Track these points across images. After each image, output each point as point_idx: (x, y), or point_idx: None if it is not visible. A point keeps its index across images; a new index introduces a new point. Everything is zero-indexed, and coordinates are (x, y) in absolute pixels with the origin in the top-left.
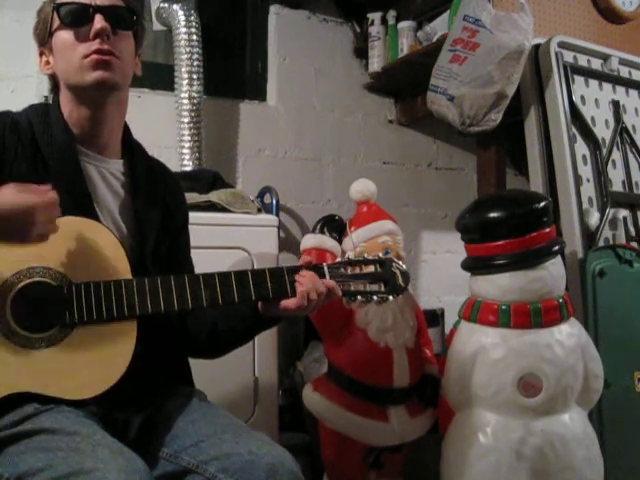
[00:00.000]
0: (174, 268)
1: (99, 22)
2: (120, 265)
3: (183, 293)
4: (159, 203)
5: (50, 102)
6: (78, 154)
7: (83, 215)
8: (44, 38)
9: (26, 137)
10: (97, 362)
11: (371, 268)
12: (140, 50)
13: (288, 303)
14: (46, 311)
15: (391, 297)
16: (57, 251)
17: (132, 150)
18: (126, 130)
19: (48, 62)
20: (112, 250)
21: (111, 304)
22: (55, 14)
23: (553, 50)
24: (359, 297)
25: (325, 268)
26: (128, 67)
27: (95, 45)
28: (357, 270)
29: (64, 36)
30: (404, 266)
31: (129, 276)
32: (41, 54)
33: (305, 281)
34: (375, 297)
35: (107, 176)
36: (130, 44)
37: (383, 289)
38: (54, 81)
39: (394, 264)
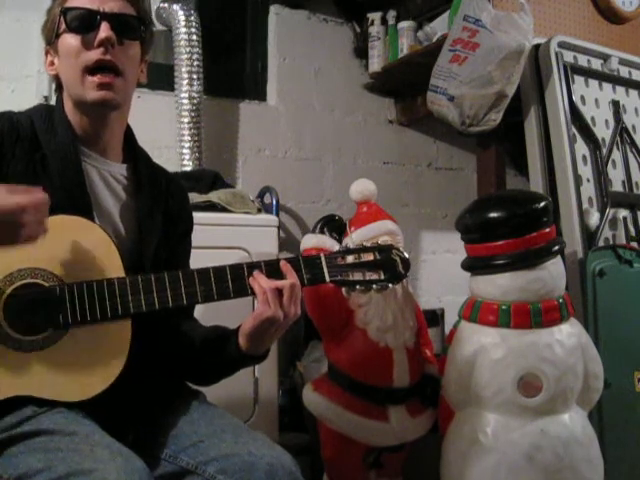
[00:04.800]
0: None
1: (104, 31)
2: (112, 263)
3: (177, 289)
4: (161, 209)
5: (50, 102)
6: (80, 154)
7: (79, 215)
8: (51, 38)
9: (26, 136)
10: (93, 363)
11: (370, 256)
12: (147, 56)
13: (258, 311)
14: (39, 313)
15: (391, 285)
16: (48, 251)
17: (136, 155)
18: (130, 134)
19: (52, 63)
20: (104, 248)
21: (104, 304)
22: (62, 18)
23: (553, 50)
24: (358, 287)
25: (322, 259)
26: (131, 81)
27: (98, 54)
28: (355, 259)
29: (69, 41)
30: (405, 253)
31: (122, 274)
32: (46, 53)
33: (254, 283)
34: (374, 286)
35: (108, 178)
36: (135, 53)
37: (383, 277)
38: (58, 81)
39: (394, 251)
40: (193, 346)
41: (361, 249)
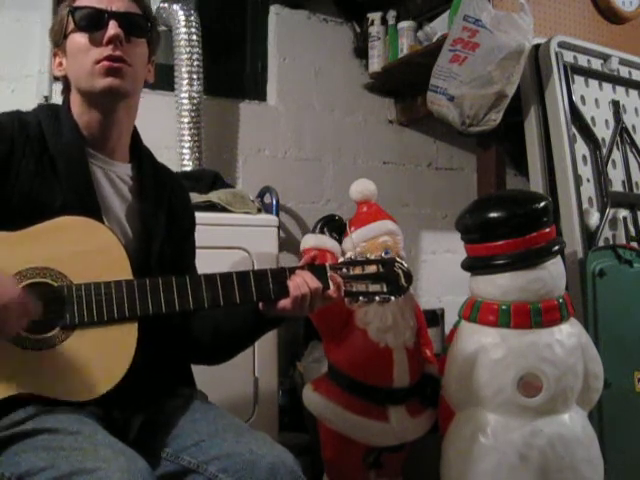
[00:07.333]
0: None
1: (113, 28)
2: (121, 265)
3: (184, 294)
4: (165, 208)
5: (52, 102)
6: (87, 156)
7: (88, 216)
8: (59, 40)
9: (34, 136)
10: (98, 363)
11: (373, 268)
12: (154, 57)
13: (285, 302)
14: (47, 312)
15: (393, 298)
16: (57, 251)
17: (140, 155)
18: (135, 135)
19: (61, 64)
20: (113, 249)
21: (112, 305)
22: (70, 17)
23: (553, 50)
24: (361, 298)
25: (327, 268)
26: (139, 75)
27: (107, 51)
28: (359, 270)
29: (78, 39)
30: (407, 266)
31: (130, 276)
32: (55, 55)
33: (295, 277)
34: (377, 298)
35: (114, 179)
36: (143, 51)
37: (385, 289)
38: (66, 82)
39: (397, 264)
40: (208, 317)
41: (365, 261)
